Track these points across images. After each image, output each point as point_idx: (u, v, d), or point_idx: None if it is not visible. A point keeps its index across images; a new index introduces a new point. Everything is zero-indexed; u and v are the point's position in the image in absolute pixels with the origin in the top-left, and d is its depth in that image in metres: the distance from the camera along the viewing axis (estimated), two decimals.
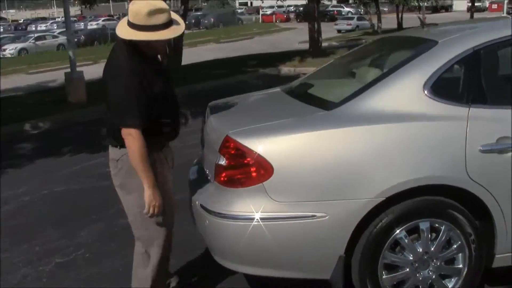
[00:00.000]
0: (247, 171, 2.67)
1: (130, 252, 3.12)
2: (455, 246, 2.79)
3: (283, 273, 2.80)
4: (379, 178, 2.62)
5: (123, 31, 2.69)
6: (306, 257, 2.71)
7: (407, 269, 2.76)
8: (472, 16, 33.26)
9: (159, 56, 2.97)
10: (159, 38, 2.67)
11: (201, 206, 2.89)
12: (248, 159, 2.66)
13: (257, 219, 2.64)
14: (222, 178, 2.78)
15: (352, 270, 2.75)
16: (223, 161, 2.77)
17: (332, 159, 2.64)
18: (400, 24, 31.28)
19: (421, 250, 2.75)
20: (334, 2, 49.99)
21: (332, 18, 43.65)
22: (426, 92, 2.73)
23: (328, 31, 29.04)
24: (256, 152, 2.64)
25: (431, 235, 2.76)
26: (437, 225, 2.74)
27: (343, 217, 2.63)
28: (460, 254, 2.81)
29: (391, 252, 2.74)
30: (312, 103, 3.01)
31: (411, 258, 2.75)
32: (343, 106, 2.79)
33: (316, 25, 17.29)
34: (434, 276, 2.79)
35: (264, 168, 2.63)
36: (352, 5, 43.85)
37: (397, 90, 2.78)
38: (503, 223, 2.75)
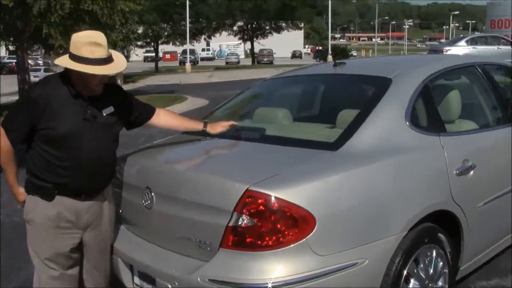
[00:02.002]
0: (287, 228, 2.32)
1: None
2: (440, 266, 2.96)
3: None
4: (400, 212, 2.62)
5: (60, 59, 2.58)
6: None
7: None
8: None
9: (106, 110, 2.68)
10: (84, 70, 2.48)
11: (215, 281, 2.36)
12: (287, 213, 2.31)
13: (307, 280, 2.31)
14: (246, 242, 2.34)
15: None
16: (246, 221, 2.34)
17: (364, 199, 2.52)
18: None
19: (424, 276, 2.82)
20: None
21: (11, 70, 40.28)
22: (408, 124, 2.86)
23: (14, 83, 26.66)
24: (296, 204, 2.32)
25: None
26: (429, 250, 2.87)
27: (379, 259, 2.52)
28: (443, 273, 2.99)
29: (404, 284, 2.74)
30: (301, 145, 2.82)
31: (419, 285, 2.79)
32: (345, 145, 2.69)
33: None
34: None
35: (306, 221, 2.33)
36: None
37: (386, 125, 2.83)
38: (468, 237, 3.06)
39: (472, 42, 19.98)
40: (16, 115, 2.59)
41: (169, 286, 2.54)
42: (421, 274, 2.81)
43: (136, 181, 2.92)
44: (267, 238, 2.32)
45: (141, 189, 2.82)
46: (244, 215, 2.34)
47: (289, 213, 2.32)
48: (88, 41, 2.50)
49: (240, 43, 56.74)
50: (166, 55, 61.61)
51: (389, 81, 3.05)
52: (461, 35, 30.35)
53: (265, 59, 53.64)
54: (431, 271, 2.87)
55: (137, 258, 2.78)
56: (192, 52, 47.04)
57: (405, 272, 2.68)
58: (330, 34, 51.11)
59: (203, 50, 66.70)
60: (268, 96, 3.92)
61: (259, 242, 2.33)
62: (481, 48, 18.76)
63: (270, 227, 2.32)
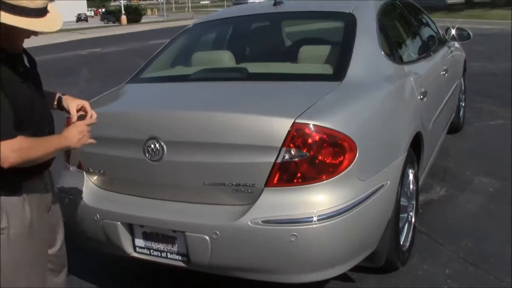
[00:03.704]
0: (336, 156, 2.32)
1: None
2: (413, 183, 3.23)
3: (351, 263, 2.54)
4: (403, 135, 2.80)
5: None
6: (368, 231, 2.57)
7: (405, 214, 3.03)
8: None
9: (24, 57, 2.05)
10: (29, 28, 1.82)
11: (269, 221, 2.27)
12: (336, 142, 2.31)
13: (357, 205, 2.36)
14: (297, 176, 2.29)
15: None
16: (296, 155, 2.28)
17: (381, 124, 2.67)
18: None
19: (409, 194, 3.07)
20: None
21: None
22: (384, 55, 3.03)
23: None
24: (342, 132, 2.33)
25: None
26: (408, 169, 3.11)
27: (395, 180, 2.68)
28: (414, 190, 3.27)
29: None
30: (301, 79, 2.79)
31: (406, 203, 3.03)
32: (347, 76, 2.74)
33: None
34: (412, 213, 3.17)
35: (351, 148, 2.36)
36: None
37: (370, 56, 2.95)
38: (424, 156, 3.39)
39: None
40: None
41: (207, 237, 2.35)
42: (407, 192, 3.05)
43: (130, 133, 2.58)
44: (319, 169, 2.30)
45: (141, 141, 2.51)
46: (293, 149, 2.27)
47: (337, 142, 2.32)
48: None
49: None
50: None
51: (352, 15, 3.16)
52: None
53: None
54: (411, 188, 3.14)
55: (148, 216, 2.50)
56: None
57: (401, 191, 2.89)
58: None
59: None
60: (207, 40, 3.74)
61: (311, 175, 2.30)
62: None
63: (321, 158, 2.30)
